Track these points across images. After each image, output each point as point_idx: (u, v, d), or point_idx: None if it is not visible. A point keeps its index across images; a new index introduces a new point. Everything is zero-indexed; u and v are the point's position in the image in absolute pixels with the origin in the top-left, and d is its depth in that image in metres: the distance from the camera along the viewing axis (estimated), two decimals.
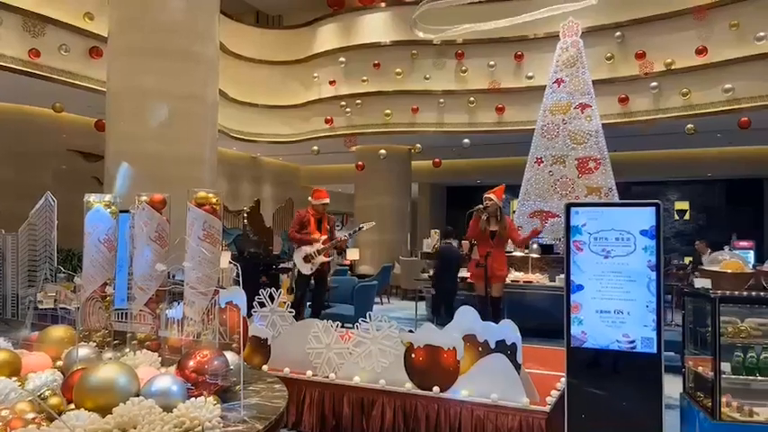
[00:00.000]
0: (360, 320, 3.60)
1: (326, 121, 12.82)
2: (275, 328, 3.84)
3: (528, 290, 7.56)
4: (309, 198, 6.30)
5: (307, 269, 6.13)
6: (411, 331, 3.58)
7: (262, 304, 3.90)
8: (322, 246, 6.11)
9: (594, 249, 3.18)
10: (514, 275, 7.83)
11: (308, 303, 6.98)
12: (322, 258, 6.14)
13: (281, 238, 14.51)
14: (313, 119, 13.29)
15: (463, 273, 7.71)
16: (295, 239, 6.20)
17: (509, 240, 5.87)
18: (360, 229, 6.34)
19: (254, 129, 13.35)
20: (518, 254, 8.37)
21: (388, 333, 3.51)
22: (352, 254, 11.10)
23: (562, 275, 3.81)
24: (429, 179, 17.61)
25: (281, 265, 9.14)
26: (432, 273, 7.96)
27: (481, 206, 5.76)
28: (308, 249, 6.07)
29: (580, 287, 3.19)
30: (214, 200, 2.39)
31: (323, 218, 6.25)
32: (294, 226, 6.27)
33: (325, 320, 3.80)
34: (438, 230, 10.37)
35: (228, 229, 12.17)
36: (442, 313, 7.13)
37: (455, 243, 7.60)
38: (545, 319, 6.72)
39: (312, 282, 6.30)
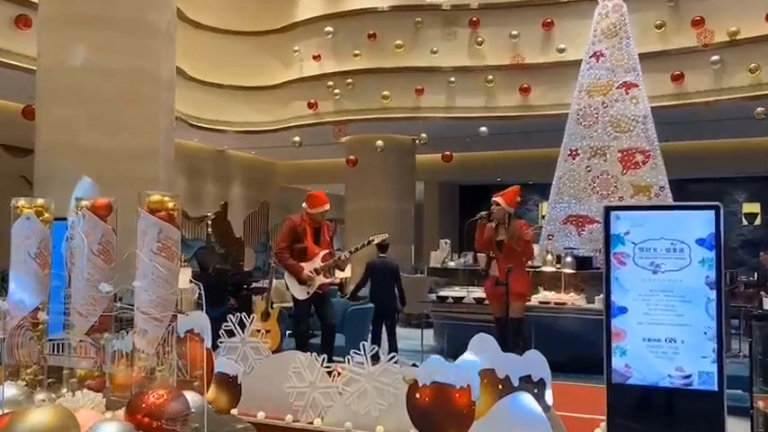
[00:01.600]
0: (352, 352, 3.62)
1: (310, 106, 12.88)
2: (247, 363, 3.86)
3: (560, 314, 7.59)
4: (304, 205, 6.20)
5: (302, 293, 6.03)
6: (415, 365, 3.60)
7: (230, 333, 3.92)
8: (321, 263, 6.00)
9: (640, 263, 3.21)
10: (544, 295, 7.87)
11: (288, 332, 6.99)
12: (321, 279, 6.02)
13: (255, 250, 14.53)
14: (293, 103, 13.35)
15: (464, 292, 7.86)
16: (284, 264, 6.12)
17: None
18: (369, 242, 6.27)
19: (220, 115, 13.39)
20: (548, 269, 8.41)
21: (387, 368, 3.53)
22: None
23: (602, 296, 3.84)
24: (437, 177, 17.67)
25: (255, 285, 9.16)
26: (354, 288, 8.75)
27: (485, 213, 5.85)
28: (305, 268, 5.98)
29: (623, 310, 3.22)
30: (171, 204, 2.41)
31: (321, 227, 6.17)
32: (284, 239, 6.14)
33: (309, 353, 3.82)
34: (447, 240, 10.42)
35: (189, 240, 12.19)
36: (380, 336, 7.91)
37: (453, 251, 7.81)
38: (581, 349, 6.73)
39: (312, 308, 6.22)
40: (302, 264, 6.01)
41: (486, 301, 6.49)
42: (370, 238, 6.29)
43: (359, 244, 6.37)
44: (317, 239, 6.12)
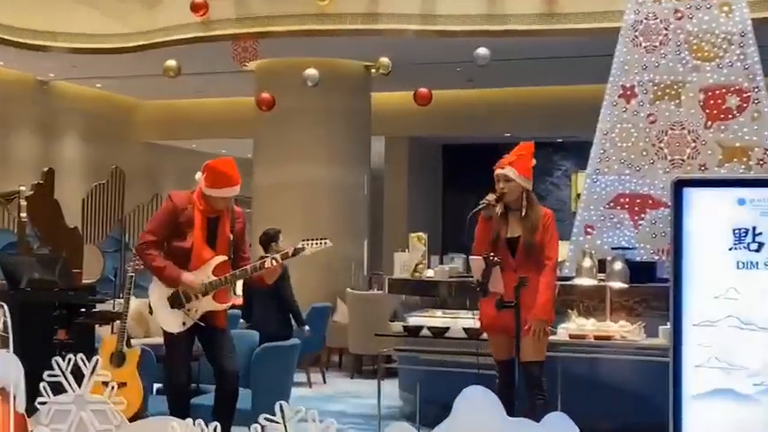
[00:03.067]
0: (262, 418, 3.65)
1: (195, 8, 12.73)
2: None
3: (603, 353, 7.71)
4: (199, 176, 6.18)
5: (174, 323, 6.03)
6: None
7: (58, 387, 3.90)
8: (213, 277, 5.99)
9: (728, 269, 3.29)
10: (577, 325, 7.98)
11: (156, 387, 6.95)
12: (210, 303, 6.01)
13: (102, 250, 14.35)
14: (166, 3, 13.21)
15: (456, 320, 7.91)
16: (149, 267, 6.13)
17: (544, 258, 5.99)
18: (298, 251, 6.04)
19: (41, 22, 13.20)
20: (585, 282, 8.50)
21: None
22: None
23: (669, 325, 3.93)
24: (407, 130, 17.71)
25: (100, 308, 9.11)
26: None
27: (492, 197, 5.88)
28: (184, 280, 5.95)
29: (699, 345, 3.30)
30: None
31: (223, 217, 6.13)
32: (157, 227, 6.16)
33: (192, 419, 3.83)
34: (422, 235, 10.41)
35: None
36: None
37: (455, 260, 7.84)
38: (635, 410, 6.86)
39: (198, 346, 6.26)
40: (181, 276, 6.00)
41: (485, 335, 6.56)
42: (301, 244, 6.09)
43: (295, 246, 6.10)
44: (211, 237, 6.08)
